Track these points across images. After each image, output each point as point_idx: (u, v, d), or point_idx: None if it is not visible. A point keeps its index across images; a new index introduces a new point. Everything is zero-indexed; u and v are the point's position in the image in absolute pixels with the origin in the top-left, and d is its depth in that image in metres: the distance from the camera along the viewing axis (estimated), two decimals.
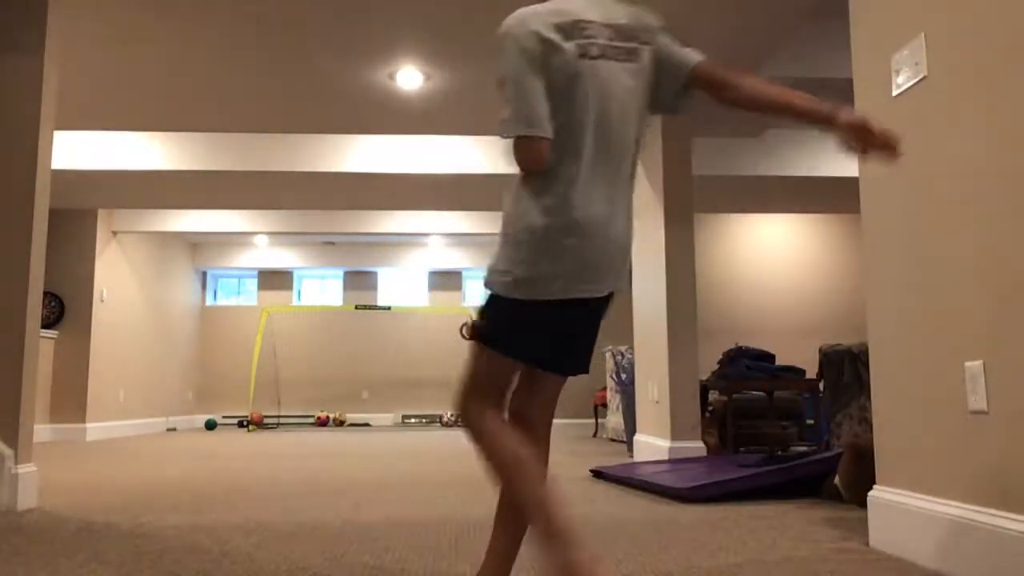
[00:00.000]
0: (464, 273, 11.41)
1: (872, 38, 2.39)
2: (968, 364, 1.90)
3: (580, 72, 1.47)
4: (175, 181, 6.46)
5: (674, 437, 4.67)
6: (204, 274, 11.10)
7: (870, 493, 2.32)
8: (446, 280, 11.37)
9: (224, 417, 10.73)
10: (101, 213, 8.13)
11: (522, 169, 1.50)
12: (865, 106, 2.44)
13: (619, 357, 6.76)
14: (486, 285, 1.53)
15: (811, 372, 5.24)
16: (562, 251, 1.46)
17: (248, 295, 11.42)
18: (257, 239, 10.38)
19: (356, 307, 10.22)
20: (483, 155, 6.56)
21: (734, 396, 5.26)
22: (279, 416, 10.80)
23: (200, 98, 5.10)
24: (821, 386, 5.02)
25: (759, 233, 9.11)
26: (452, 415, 10.73)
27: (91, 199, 7.32)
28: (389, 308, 10.28)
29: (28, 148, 3.26)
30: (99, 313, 8.08)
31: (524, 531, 1.58)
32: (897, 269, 2.24)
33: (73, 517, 2.89)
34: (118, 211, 8.35)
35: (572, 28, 1.48)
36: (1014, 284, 1.77)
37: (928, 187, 2.09)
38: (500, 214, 9.12)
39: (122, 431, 8.52)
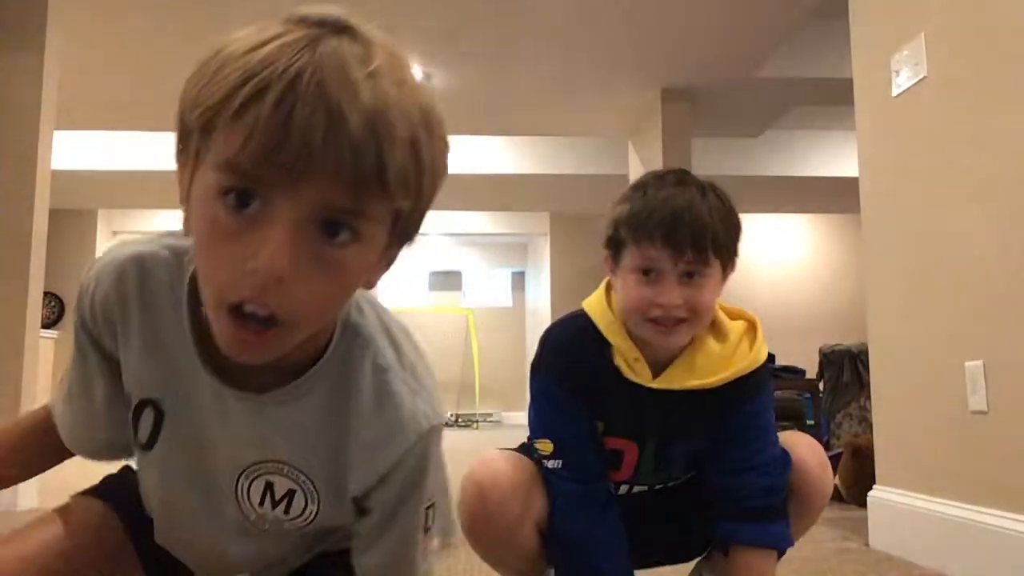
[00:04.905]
0: (464, 273, 11.40)
1: (872, 38, 2.39)
2: (968, 364, 1.90)
3: None
4: (175, 181, 6.44)
5: None
6: None
7: (870, 493, 2.32)
8: (446, 280, 11.36)
9: None
10: (101, 213, 8.10)
11: None
12: (865, 106, 2.44)
13: None
14: None
15: (811, 372, 5.23)
16: None
17: None
18: None
19: None
20: (484, 155, 6.56)
21: None
22: None
23: None
24: (821, 386, 5.01)
25: (758, 233, 9.10)
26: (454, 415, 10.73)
27: (91, 199, 7.30)
28: None
29: (28, 148, 3.25)
30: None
31: None
32: (897, 269, 2.24)
33: None
34: (118, 211, 8.33)
35: None
36: (1014, 284, 1.76)
37: (928, 187, 2.09)
38: (502, 214, 9.13)
39: None
